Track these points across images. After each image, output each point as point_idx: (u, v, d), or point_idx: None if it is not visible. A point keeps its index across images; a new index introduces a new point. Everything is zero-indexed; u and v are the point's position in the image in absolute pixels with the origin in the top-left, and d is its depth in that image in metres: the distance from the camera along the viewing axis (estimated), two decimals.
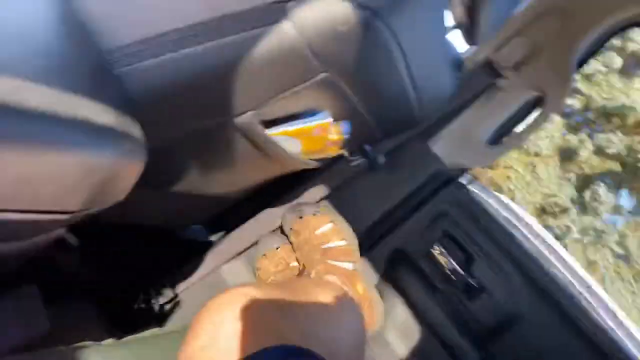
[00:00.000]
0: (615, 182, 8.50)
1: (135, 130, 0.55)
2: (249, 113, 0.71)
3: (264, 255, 1.15)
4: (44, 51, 0.43)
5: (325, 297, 0.62)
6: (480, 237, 1.16)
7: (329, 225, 1.11)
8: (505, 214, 1.18)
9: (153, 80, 0.56)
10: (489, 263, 1.14)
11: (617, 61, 8.55)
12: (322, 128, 0.82)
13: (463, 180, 1.22)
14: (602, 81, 8.76)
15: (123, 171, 0.53)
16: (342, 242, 1.10)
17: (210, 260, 1.22)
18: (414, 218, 1.21)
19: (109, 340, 0.69)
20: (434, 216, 1.20)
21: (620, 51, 8.59)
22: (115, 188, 0.55)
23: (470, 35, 0.85)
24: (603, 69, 8.58)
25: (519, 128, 1.15)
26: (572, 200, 8.47)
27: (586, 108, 8.97)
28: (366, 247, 1.23)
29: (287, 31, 0.62)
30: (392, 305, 1.18)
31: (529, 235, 1.17)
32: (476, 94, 1.14)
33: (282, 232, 1.19)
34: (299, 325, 0.54)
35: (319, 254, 1.08)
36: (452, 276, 1.16)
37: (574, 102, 8.88)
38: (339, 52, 0.67)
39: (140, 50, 0.52)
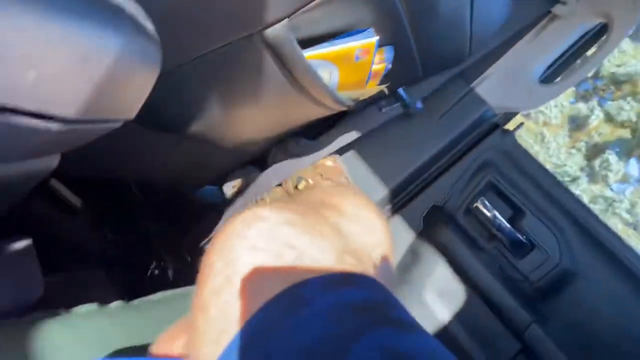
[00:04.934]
0: (625, 150, 8.36)
1: (149, 25, 0.42)
2: (282, 23, 0.57)
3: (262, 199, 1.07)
4: None
5: (348, 198, 0.49)
6: (529, 187, 1.04)
7: (328, 162, 1.08)
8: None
9: None
10: (539, 215, 1.02)
11: None
12: (365, 50, 0.68)
13: (509, 126, 1.09)
14: None
15: (132, 73, 0.40)
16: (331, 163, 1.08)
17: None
18: (454, 170, 1.08)
19: (117, 303, 0.57)
20: (477, 167, 1.07)
21: None
22: (122, 95, 0.42)
23: None
24: None
25: (577, 63, 1.01)
26: (582, 169, 8.35)
27: (596, 76, 8.76)
28: (400, 204, 1.11)
29: None
30: (431, 265, 1.06)
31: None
32: (529, 24, 0.99)
33: None
34: (332, 240, 0.41)
35: (309, 169, 1.07)
36: (498, 233, 1.03)
37: None
38: None
39: None
